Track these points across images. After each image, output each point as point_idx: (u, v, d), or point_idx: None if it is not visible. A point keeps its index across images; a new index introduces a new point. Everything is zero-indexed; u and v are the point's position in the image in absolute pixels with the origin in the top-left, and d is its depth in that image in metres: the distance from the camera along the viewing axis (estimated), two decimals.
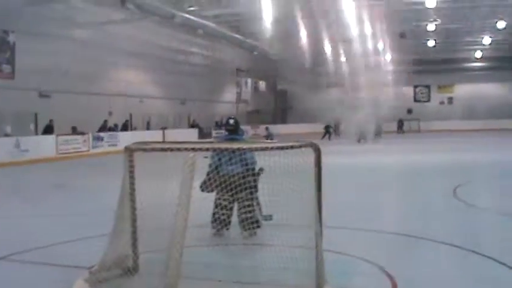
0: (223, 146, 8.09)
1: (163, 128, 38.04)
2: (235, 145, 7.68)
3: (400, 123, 56.45)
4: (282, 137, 39.18)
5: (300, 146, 5.98)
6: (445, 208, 12.18)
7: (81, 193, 15.37)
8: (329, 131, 46.20)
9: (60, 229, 9.80)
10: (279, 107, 67.75)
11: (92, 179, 18.43)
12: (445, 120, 59.12)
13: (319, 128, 47.82)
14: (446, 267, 7.52)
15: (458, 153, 27.71)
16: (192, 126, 43.87)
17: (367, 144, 36.52)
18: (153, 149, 6.47)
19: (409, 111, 64.47)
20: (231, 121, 9.34)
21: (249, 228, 8.56)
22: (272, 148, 6.27)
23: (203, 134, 42.26)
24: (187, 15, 34.74)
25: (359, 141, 37.81)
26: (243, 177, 7.98)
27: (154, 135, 34.87)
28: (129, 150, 6.67)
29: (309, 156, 6.16)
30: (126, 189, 6.74)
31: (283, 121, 64.86)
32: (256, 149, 7.50)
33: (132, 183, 6.75)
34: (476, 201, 12.96)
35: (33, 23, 27.52)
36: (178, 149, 6.16)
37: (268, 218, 8.50)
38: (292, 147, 5.95)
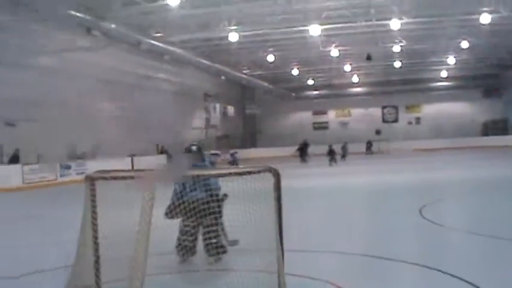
0: (190, 173, 8.08)
1: (132, 155, 37.81)
2: (196, 172, 7.68)
3: (369, 144, 56.79)
4: (249, 162, 39.29)
5: (259, 172, 5.99)
6: (411, 227, 12.26)
7: (48, 223, 15.19)
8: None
9: (24, 260, 9.69)
10: (248, 131, 67.98)
11: (58, 208, 18.24)
12: (413, 140, 59.80)
13: (288, 151, 47.97)
14: (411, 286, 7.56)
15: (427, 172, 28.12)
16: (161, 152, 43.64)
17: (336, 166, 36.75)
18: (114, 178, 6.44)
19: (378, 132, 65.25)
20: (194, 148, 9.36)
21: (215, 254, 8.58)
22: (230, 174, 6.29)
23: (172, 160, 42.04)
24: (153, 42, 34.80)
25: (330, 163, 37.99)
26: (207, 203, 7.96)
27: (123, 163, 34.66)
28: (90, 179, 6.65)
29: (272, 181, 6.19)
30: (87, 218, 6.70)
31: (253, 145, 65.10)
32: (216, 175, 7.53)
33: (94, 212, 6.71)
34: (443, 219, 13.02)
35: None
36: (139, 177, 6.15)
37: (234, 243, 8.52)
38: (250, 172, 5.97)
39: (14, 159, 28.47)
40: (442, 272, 7.78)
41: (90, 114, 35.52)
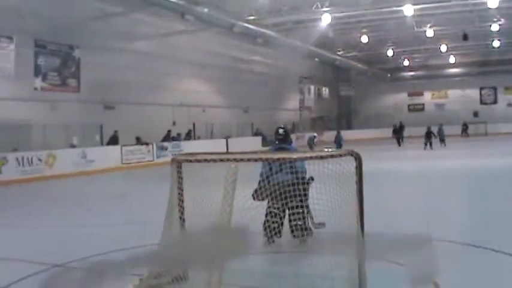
0: (267, 156, 8.16)
1: (227, 137, 38.40)
2: (278, 155, 7.76)
3: (465, 127, 55.09)
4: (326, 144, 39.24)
5: (340, 155, 6.03)
6: (507, 214, 11.80)
7: (142, 202, 15.69)
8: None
9: (115, 238, 10.08)
10: (342, 113, 67.58)
11: (154, 188, 18.74)
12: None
13: (384, 132, 47.40)
14: (500, 277, 7.32)
15: None
16: (256, 134, 44.05)
17: (432, 150, 35.84)
18: (198, 160, 6.62)
19: (475, 114, 63.36)
20: (281, 130, 9.54)
21: (300, 236, 8.66)
22: (313, 157, 6.34)
23: (267, 142, 42.42)
24: (246, 24, 35.03)
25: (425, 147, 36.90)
26: (293, 185, 8.01)
27: (217, 144, 35.28)
28: (176, 162, 6.86)
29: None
30: (174, 200, 6.92)
31: (348, 126, 64.63)
32: (299, 159, 7.59)
33: (180, 194, 6.92)
34: None
35: (96, 37, 28.33)
36: (221, 160, 6.30)
37: (321, 226, 8.54)
38: (332, 156, 6.01)
39: (113, 140, 29.43)
40: None
41: (187, 97, 36.24)
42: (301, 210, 8.64)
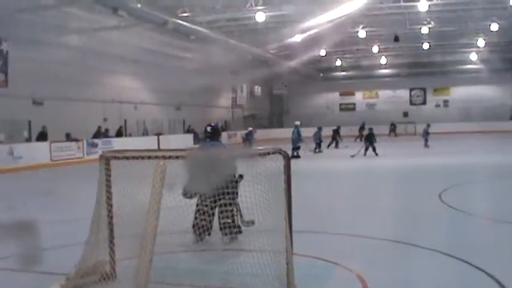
0: (195, 154, 8.16)
1: (158, 134, 38.13)
2: (207, 153, 7.78)
3: (393, 127, 56.43)
4: (263, 143, 39.32)
5: (269, 153, 6.07)
6: (427, 212, 12.18)
7: (69, 200, 15.41)
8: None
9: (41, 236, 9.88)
10: (275, 111, 67.99)
11: (83, 185, 18.44)
12: (441, 122, 59.23)
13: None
14: (420, 270, 7.55)
15: (452, 156, 27.89)
16: (188, 131, 43.90)
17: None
18: (126, 157, 6.57)
19: (405, 114, 64.88)
20: (209, 128, 9.63)
21: (229, 233, 8.69)
22: (241, 155, 6.37)
23: (198, 139, 42.35)
24: (179, 21, 34.81)
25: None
26: (224, 183, 8.04)
27: (148, 141, 34.99)
28: (105, 159, 6.79)
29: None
30: (102, 197, 6.85)
31: (280, 125, 65.02)
32: (228, 156, 7.61)
33: (108, 190, 6.86)
34: (461, 204, 12.75)
35: (26, 30, 27.60)
36: (150, 157, 6.27)
37: (250, 223, 8.59)
38: (260, 154, 6.05)
39: (42, 136, 28.85)
40: (454, 257, 7.80)
41: (118, 93, 35.83)
42: (230, 208, 8.67)
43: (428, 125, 38.06)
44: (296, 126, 31.33)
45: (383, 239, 9.18)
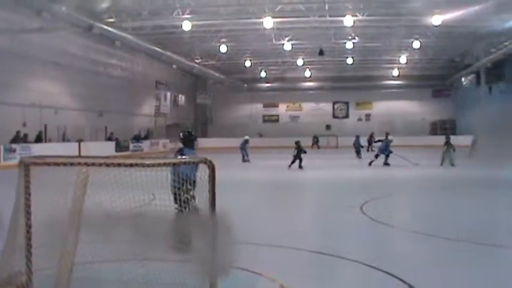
0: (118, 161, 7.99)
1: (80, 141, 37.33)
2: (130, 161, 7.60)
3: (316, 139, 57.35)
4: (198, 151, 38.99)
5: (194, 163, 6.01)
6: (348, 223, 12.38)
7: None
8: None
9: None
10: (198, 121, 67.85)
11: None
12: (363, 136, 60.16)
13: (239, 142, 47.92)
14: (340, 280, 7.65)
15: (372, 169, 28.40)
16: (109, 139, 43.19)
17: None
18: (47, 163, 6.36)
19: (328, 126, 65.90)
20: (181, 134, 9.87)
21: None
22: (166, 164, 6.27)
23: (120, 147, 41.82)
24: (105, 26, 34.38)
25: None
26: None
27: (69, 148, 34.24)
28: (24, 164, 6.55)
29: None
30: (20, 204, 6.60)
31: (204, 135, 64.91)
32: (152, 165, 7.47)
33: (27, 198, 6.62)
34: (381, 216, 13.06)
35: None
36: (72, 164, 6.08)
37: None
38: (186, 163, 5.97)
39: None
40: (376, 268, 7.91)
41: (39, 97, 34.92)
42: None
43: (358, 136, 39.29)
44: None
45: (307, 250, 9.26)
